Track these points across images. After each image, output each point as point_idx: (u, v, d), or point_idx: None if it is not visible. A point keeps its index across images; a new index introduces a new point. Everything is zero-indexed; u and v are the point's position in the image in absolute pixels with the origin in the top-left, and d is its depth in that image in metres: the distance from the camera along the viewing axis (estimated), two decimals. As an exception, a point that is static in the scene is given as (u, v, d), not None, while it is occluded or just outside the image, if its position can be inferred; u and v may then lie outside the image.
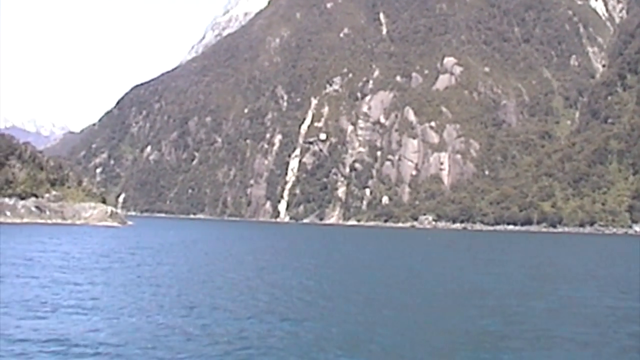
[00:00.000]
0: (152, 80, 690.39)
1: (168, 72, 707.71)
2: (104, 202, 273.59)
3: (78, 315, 41.64)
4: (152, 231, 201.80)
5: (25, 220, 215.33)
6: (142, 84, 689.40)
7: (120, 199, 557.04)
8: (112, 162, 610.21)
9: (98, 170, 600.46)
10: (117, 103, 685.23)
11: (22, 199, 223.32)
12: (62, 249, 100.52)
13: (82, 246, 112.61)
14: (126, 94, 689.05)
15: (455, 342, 37.41)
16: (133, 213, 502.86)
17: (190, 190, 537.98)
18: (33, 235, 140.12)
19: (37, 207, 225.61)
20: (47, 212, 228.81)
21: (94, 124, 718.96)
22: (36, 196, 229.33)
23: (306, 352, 34.25)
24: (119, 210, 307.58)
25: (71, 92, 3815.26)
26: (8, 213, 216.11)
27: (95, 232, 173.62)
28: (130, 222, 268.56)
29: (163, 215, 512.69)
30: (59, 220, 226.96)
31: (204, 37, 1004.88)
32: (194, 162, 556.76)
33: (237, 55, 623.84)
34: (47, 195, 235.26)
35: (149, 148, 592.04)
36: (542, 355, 35.28)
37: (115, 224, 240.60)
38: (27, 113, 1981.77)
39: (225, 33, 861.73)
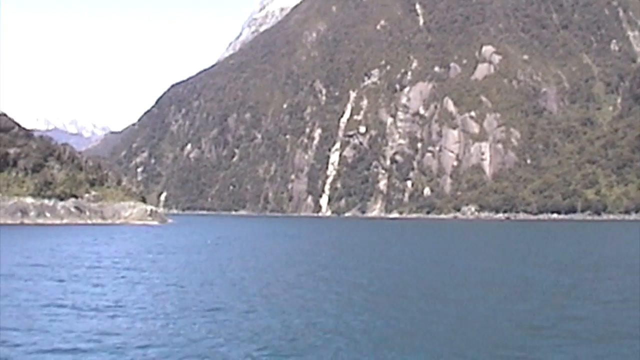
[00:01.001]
0: (191, 78, 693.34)
1: (206, 69, 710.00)
2: (143, 201, 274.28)
3: (97, 319, 40.56)
4: (192, 229, 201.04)
5: (65, 220, 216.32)
6: (180, 83, 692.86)
7: (162, 198, 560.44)
8: (152, 161, 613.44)
9: (139, 170, 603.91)
10: (157, 102, 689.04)
11: (62, 199, 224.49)
12: (95, 250, 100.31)
13: (117, 246, 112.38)
14: (165, 92, 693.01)
15: (511, 340, 35.84)
16: (175, 211, 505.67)
17: (231, 187, 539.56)
18: (70, 236, 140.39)
19: (76, 207, 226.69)
20: (87, 213, 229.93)
21: (134, 124, 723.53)
22: (76, 197, 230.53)
23: (362, 351, 33.13)
24: (159, 209, 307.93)
25: (111, 93, 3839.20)
26: (48, 214, 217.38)
27: (134, 232, 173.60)
28: (170, 220, 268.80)
29: (205, 212, 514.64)
30: (99, 220, 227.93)
31: (240, 34, 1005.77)
32: (235, 159, 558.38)
33: (275, 50, 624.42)
34: (86, 195, 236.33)
35: (189, 146, 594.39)
36: (605, 353, 33.52)
37: (155, 222, 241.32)
38: (68, 115, 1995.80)
39: (262, 29, 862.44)
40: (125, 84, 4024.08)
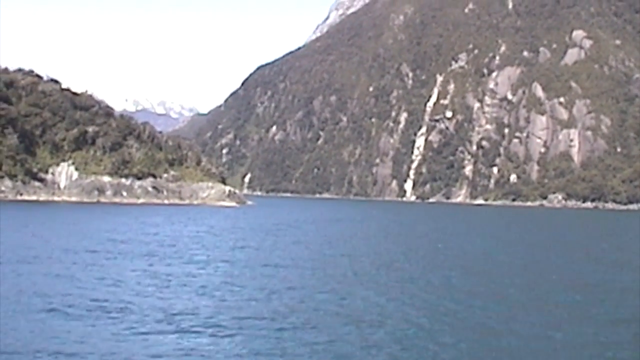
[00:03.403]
0: (277, 60, 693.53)
1: (292, 52, 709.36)
2: (223, 182, 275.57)
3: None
4: (268, 211, 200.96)
5: (141, 200, 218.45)
6: (266, 64, 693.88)
7: (246, 179, 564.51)
8: (237, 142, 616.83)
9: (224, 151, 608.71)
10: (242, 84, 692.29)
11: (139, 179, 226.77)
12: (152, 231, 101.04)
13: (181, 226, 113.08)
14: (251, 74, 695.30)
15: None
16: (259, 193, 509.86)
17: (315, 170, 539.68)
18: (136, 216, 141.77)
19: (154, 187, 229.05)
20: (165, 192, 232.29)
21: (219, 105, 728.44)
22: (154, 176, 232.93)
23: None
24: (237, 190, 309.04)
25: (199, 74, 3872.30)
26: (125, 193, 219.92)
27: (209, 213, 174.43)
28: (249, 202, 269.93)
29: (289, 194, 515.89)
30: (177, 201, 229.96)
31: (328, 17, 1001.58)
32: (319, 142, 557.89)
33: (361, 33, 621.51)
34: (165, 175, 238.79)
35: (274, 128, 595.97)
36: None
37: (233, 204, 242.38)
38: (156, 96, 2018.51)
39: (349, 12, 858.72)
40: (213, 65, 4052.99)
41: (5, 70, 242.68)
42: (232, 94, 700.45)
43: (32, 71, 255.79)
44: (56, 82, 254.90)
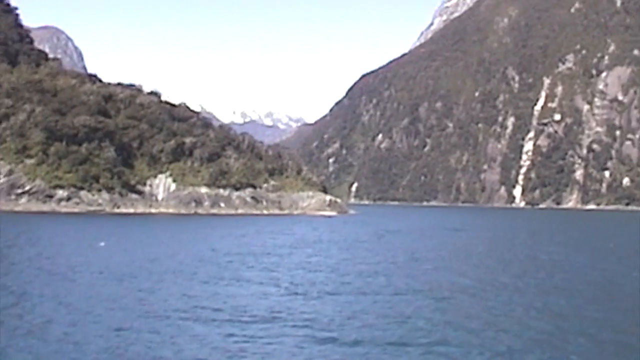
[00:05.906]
0: (381, 67, 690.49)
1: (396, 59, 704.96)
2: (324, 190, 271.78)
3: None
4: (367, 220, 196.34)
5: (239, 211, 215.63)
6: (371, 72, 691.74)
7: (353, 188, 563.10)
8: (344, 151, 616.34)
9: (331, 160, 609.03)
10: (347, 92, 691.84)
11: (237, 189, 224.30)
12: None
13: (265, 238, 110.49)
14: (356, 82, 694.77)
15: None
16: (366, 202, 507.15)
17: (422, 177, 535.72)
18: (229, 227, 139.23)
19: (253, 197, 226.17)
20: (264, 203, 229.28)
21: (325, 115, 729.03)
22: (254, 186, 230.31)
23: None
24: (344, 200, 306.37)
25: (305, 84, 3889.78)
26: (222, 204, 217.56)
27: (306, 222, 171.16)
28: (352, 211, 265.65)
29: (396, 203, 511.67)
30: (276, 211, 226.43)
31: (432, 23, 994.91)
32: (426, 149, 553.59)
33: (465, 38, 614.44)
34: (265, 185, 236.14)
35: (380, 136, 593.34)
36: None
37: (333, 213, 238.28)
38: (264, 107, 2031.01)
39: (452, 17, 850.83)
40: (319, 74, 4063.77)
41: (106, 84, 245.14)
42: (337, 103, 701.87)
43: (132, 85, 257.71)
44: (155, 94, 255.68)
